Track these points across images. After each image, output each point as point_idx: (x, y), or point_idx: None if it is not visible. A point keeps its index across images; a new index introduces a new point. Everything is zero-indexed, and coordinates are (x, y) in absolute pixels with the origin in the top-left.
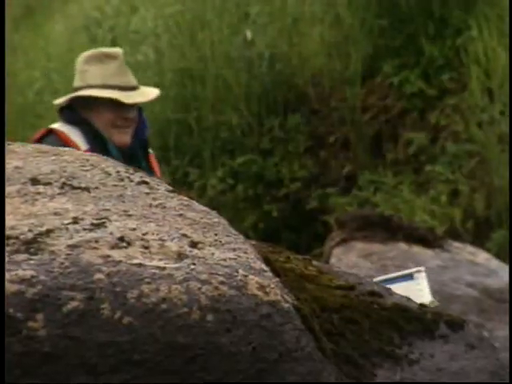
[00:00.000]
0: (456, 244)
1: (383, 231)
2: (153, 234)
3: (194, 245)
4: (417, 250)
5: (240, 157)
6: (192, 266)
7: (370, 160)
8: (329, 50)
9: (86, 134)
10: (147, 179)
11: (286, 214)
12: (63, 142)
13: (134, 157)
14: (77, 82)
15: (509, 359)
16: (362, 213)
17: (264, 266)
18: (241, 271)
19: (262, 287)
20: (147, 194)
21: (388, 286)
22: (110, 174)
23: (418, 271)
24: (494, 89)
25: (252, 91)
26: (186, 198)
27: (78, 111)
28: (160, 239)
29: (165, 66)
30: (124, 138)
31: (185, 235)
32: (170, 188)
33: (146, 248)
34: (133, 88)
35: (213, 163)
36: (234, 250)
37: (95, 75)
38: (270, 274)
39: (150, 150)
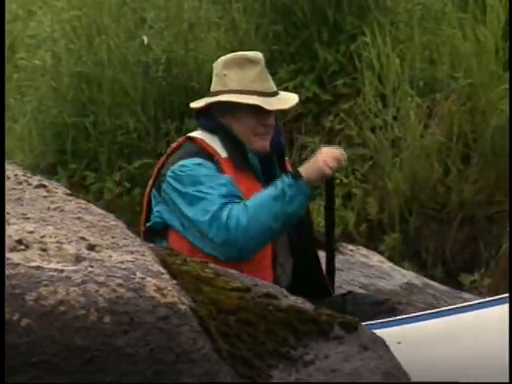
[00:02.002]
0: (350, 247)
1: None
2: (51, 236)
3: (91, 247)
4: None
5: (137, 160)
6: (90, 269)
7: None
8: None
9: (224, 142)
10: (45, 182)
11: None
12: (202, 147)
13: (270, 164)
14: (215, 86)
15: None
16: None
17: (161, 269)
18: (138, 274)
19: (159, 289)
20: (45, 197)
21: None
22: (8, 178)
23: None
24: (387, 94)
25: (149, 95)
26: (83, 202)
27: (215, 117)
28: (58, 242)
29: (62, 70)
30: (265, 144)
31: (83, 238)
32: (68, 191)
33: (44, 251)
34: (273, 94)
35: (110, 167)
36: (132, 252)
37: (235, 80)
38: (167, 276)
39: (287, 158)
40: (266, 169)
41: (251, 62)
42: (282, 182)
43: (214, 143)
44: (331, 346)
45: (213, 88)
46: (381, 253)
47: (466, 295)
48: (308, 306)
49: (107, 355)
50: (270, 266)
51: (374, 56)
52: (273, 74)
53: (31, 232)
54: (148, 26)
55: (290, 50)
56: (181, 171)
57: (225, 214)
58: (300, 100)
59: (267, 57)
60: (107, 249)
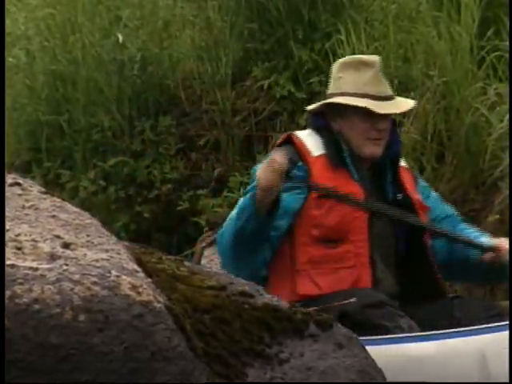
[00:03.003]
0: None
1: None
2: (25, 235)
3: (66, 246)
4: None
5: (111, 159)
6: (65, 267)
7: (241, 162)
8: (199, 53)
9: (323, 141)
10: (20, 181)
11: (158, 215)
12: (295, 146)
13: (379, 169)
14: (331, 89)
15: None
16: None
17: (136, 267)
18: (113, 272)
19: (134, 287)
20: (20, 195)
21: None
22: None
23: None
24: None
25: (123, 94)
26: (58, 200)
27: (326, 118)
28: (33, 240)
29: (36, 68)
30: (376, 150)
31: (57, 236)
32: (43, 190)
33: (19, 249)
34: (387, 98)
35: (84, 165)
36: (107, 250)
37: (349, 83)
38: (142, 274)
39: (403, 163)
40: (376, 174)
41: (366, 64)
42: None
43: (311, 142)
44: (306, 344)
45: (329, 90)
46: None
47: None
48: (283, 304)
49: (82, 354)
50: (367, 265)
51: (349, 54)
52: (247, 73)
53: (6, 230)
54: (123, 24)
55: (264, 48)
56: (254, 171)
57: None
58: (274, 98)
59: (241, 55)
60: (82, 247)
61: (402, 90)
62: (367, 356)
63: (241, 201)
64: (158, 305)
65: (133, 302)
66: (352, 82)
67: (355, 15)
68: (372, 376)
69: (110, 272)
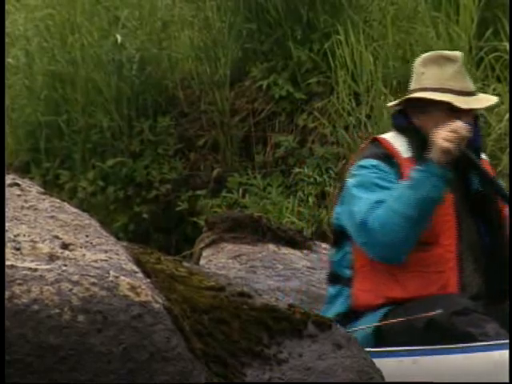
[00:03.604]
0: (324, 245)
1: (252, 233)
2: (24, 235)
3: (65, 246)
4: (285, 251)
5: (110, 159)
6: (63, 268)
7: (239, 162)
8: (198, 53)
9: (411, 142)
10: (19, 181)
11: (156, 216)
12: (386, 149)
13: (461, 162)
14: (413, 85)
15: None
16: (231, 214)
17: (135, 268)
18: (112, 272)
19: (133, 288)
20: (19, 195)
21: None
22: None
23: None
24: (361, 92)
25: (122, 94)
26: (57, 200)
27: (409, 115)
28: (32, 241)
29: (35, 68)
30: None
31: (56, 237)
32: (42, 190)
33: (18, 249)
34: (470, 93)
35: (83, 165)
36: (106, 251)
37: (431, 78)
38: (141, 275)
39: (484, 156)
40: (459, 167)
41: (449, 60)
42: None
43: (399, 143)
44: (305, 344)
45: (410, 86)
46: None
47: None
48: (281, 304)
49: (81, 354)
50: (455, 269)
51: (348, 54)
52: (246, 73)
53: (5, 231)
54: (121, 25)
55: (263, 48)
56: (355, 171)
57: (370, 218)
58: (273, 98)
59: (240, 55)
60: (81, 247)
61: (401, 90)
62: (366, 356)
63: (411, 176)
64: (157, 305)
65: (131, 302)
66: (435, 77)
67: (354, 16)
68: (370, 375)
69: (108, 272)
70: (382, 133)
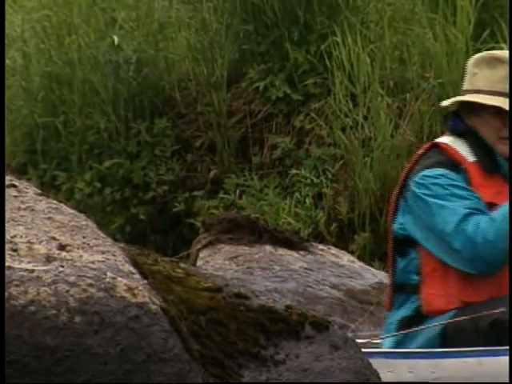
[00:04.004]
0: (320, 246)
1: (249, 234)
2: (21, 236)
3: (62, 247)
4: (282, 252)
5: (107, 160)
6: (60, 269)
7: (236, 164)
8: (195, 54)
9: (471, 146)
10: (16, 182)
11: (153, 217)
12: (448, 154)
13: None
14: (465, 85)
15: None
16: (228, 215)
17: (132, 269)
18: (109, 273)
19: (130, 289)
20: (16, 197)
21: None
22: None
23: None
24: (358, 94)
25: (119, 95)
26: (54, 202)
27: (462, 118)
28: (28, 242)
29: (32, 70)
30: (506, 148)
31: (53, 238)
32: (39, 191)
33: (15, 251)
34: None
35: (80, 167)
36: (103, 252)
37: (483, 79)
38: (137, 276)
39: None
40: None
41: (500, 61)
42: None
43: (461, 148)
44: (302, 345)
45: (463, 86)
46: (351, 252)
47: None
48: (278, 305)
49: (78, 355)
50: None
51: (345, 56)
52: (243, 74)
53: None
54: (118, 26)
55: (260, 49)
56: (423, 181)
57: (471, 227)
58: (270, 99)
59: (237, 56)
60: (78, 249)
61: (398, 91)
62: (363, 357)
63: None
64: (154, 306)
65: (128, 303)
66: (486, 78)
67: (351, 17)
68: (368, 377)
69: (105, 274)
70: (380, 134)
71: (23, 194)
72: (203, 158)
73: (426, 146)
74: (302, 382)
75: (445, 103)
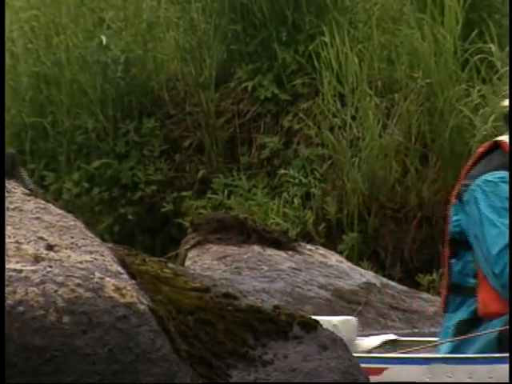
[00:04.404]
0: (309, 246)
1: (237, 234)
2: (9, 236)
3: (50, 247)
4: (270, 252)
5: (95, 160)
6: (48, 269)
7: (225, 164)
8: (183, 54)
9: None
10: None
11: (142, 217)
12: (508, 153)
13: None
14: None
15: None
16: (216, 216)
17: (120, 269)
18: (97, 274)
19: (118, 289)
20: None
21: None
22: None
23: None
24: (346, 94)
25: (107, 95)
26: (42, 202)
27: None
28: (16, 242)
29: (20, 70)
30: None
31: (41, 238)
32: (27, 191)
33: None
34: None
35: (68, 167)
36: (91, 252)
37: None
38: (126, 276)
39: None
40: None
41: None
42: None
43: None
44: (290, 345)
45: None
46: (339, 252)
47: (425, 295)
48: (267, 306)
49: (66, 355)
50: None
51: (333, 56)
52: (231, 74)
53: None
54: (106, 26)
55: (248, 49)
56: (485, 187)
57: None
58: (258, 99)
59: (225, 57)
60: (66, 249)
61: (386, 91)
62: (351, 357)
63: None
64: (142, 306)
65: (116, 303)
66: None
67: (339, 17)
68: (356, 377)
69: (93, 274)
70: (368, 134)
71: (11, 194)
72: (191, 158)
73: (486, 144)
74: (291, 382)
75: (505, 103)
